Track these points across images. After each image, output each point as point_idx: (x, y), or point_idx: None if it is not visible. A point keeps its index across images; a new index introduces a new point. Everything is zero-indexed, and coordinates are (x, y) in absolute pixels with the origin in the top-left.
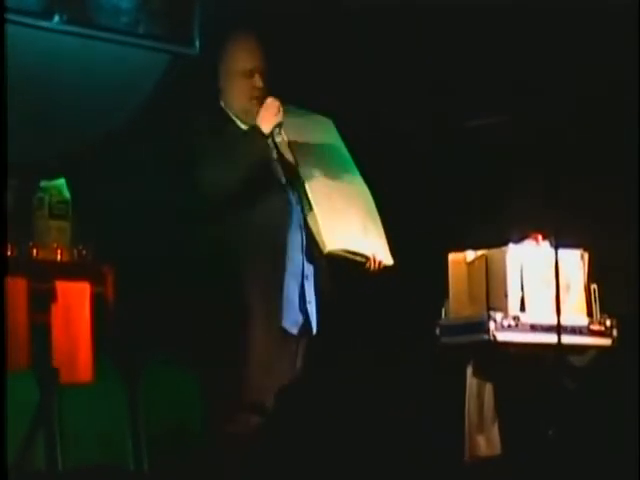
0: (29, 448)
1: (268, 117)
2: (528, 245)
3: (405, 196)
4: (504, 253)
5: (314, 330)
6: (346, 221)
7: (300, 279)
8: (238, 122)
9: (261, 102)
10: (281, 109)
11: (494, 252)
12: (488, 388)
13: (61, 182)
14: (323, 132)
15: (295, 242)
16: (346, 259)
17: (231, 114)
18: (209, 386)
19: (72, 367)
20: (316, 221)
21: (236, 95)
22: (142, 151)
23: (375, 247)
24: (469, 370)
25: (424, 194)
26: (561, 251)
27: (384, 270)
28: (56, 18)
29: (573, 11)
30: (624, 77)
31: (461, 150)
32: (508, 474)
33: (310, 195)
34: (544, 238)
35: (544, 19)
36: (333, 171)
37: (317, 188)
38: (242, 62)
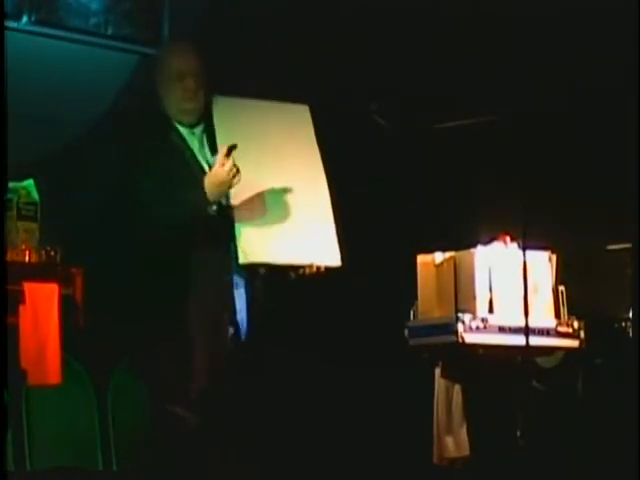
0: None
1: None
2: (496, 247)
3: (374, 197)
4: (472, 255)
5: (243, 337)
6: (271, 231)
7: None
8: (176, 124)
9: (194, 102)
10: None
11: (463, 254)
12: (456, 390)
13: (29, 183)
14: (289, 130)
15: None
16: (271, 268)
17: (170, 117)
18: (154, 389)
19: (40, 369)
20: (239, 233)
21: (167, 97)
22: (109, 152)
23: (313, 252)
24: (437, 372)
25: (393, 195)
26: (529, 253)
27: (330, 272)
28: (25, 19)
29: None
30: (596, 79)
31: (430, 151)
32: (476, 476)
33: (235, 205)
34: (512, 240)
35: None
36: (276, 174)
37: (245, 198)
38: (175, 65)
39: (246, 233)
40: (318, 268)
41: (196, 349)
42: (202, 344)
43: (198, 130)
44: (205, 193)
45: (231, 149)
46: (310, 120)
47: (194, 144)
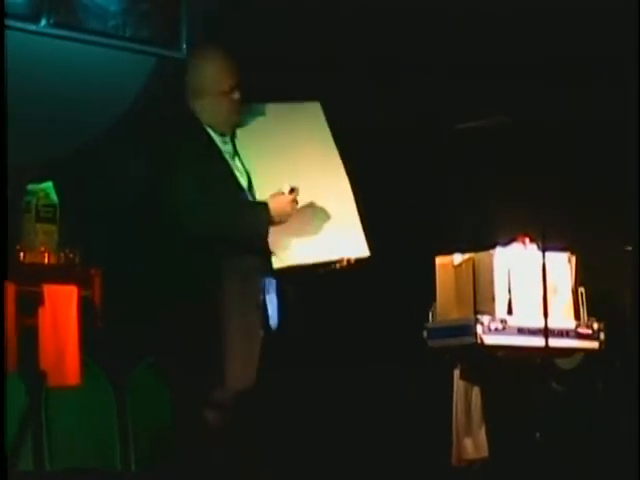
0: (17, 450)
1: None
2: (515, 248)
3: (392, 198)
4: (491, 256)
5: (273, 329)
6: (300, 232)
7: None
8: (210, 131)
9: (239, 114)
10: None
11: (482, 255)
12: (475, 391)
13: (48, 185)
14: (305, 130)
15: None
16: (302, 268)
17: (206, 126)
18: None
19: (60, 370)
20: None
21: (214, 111)
22: (129, 154)
23: (343, 247)
24: (456, 373)
25: (412, 196)
26: (548, 254)
27: (361, 263)
28: (43, 21)
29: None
30: (616, 79)
31: (449, 152)
32: (495, 477)
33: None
34: (531, 241)
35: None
36: (297, 175)
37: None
38: (221, 82)
39: (277, 237)
40: (349, 261)
41: (225, 351)
42: (231, 346)
43: (228, 138)
44: (269, 217)
45: (293, 190)
46: (323, 117)
47: (229, 152)
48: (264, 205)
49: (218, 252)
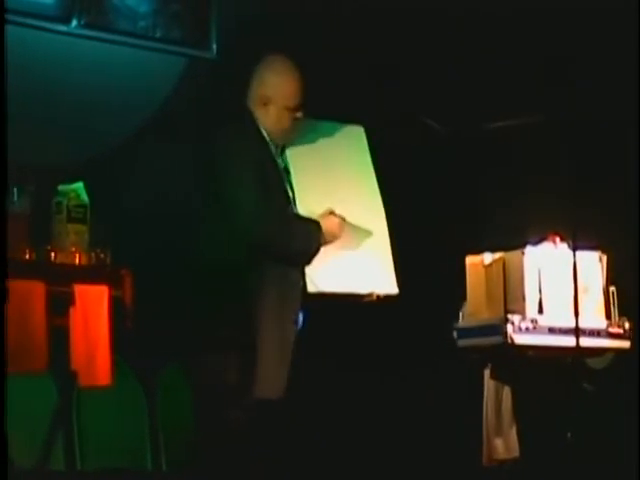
0: (48, 450)
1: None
2: (546, 247)
3: (423, 198)
4: (522, 255)
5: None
6: (336, 259)
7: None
8: (269, 142)
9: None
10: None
11: (512, 254)
12: (506, 391)
13: (79, 186)
14: (347, 153)
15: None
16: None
17: (263, 132)
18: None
19: (91, 370)
20: None
21: (276, 123)
22: (159, 154)
23: (374, 281)
24: (487, 373)
25: (441, 196)
26: (579, 253)
27: (385, 300)
28: (74, 22)
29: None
30: None
31: (478, 151)
32: (526, 478)
33: None
34: (562, 240)
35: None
36: (338, 201)
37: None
38: (291, 98)
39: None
40: (378, 297)
41: (259, 359)
42: (266, 355)
43: (280, 150)
44: (321, 236)
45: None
46: (365, 142)
47: (280, 164)
48: (317, 224)
49: (263, 260)
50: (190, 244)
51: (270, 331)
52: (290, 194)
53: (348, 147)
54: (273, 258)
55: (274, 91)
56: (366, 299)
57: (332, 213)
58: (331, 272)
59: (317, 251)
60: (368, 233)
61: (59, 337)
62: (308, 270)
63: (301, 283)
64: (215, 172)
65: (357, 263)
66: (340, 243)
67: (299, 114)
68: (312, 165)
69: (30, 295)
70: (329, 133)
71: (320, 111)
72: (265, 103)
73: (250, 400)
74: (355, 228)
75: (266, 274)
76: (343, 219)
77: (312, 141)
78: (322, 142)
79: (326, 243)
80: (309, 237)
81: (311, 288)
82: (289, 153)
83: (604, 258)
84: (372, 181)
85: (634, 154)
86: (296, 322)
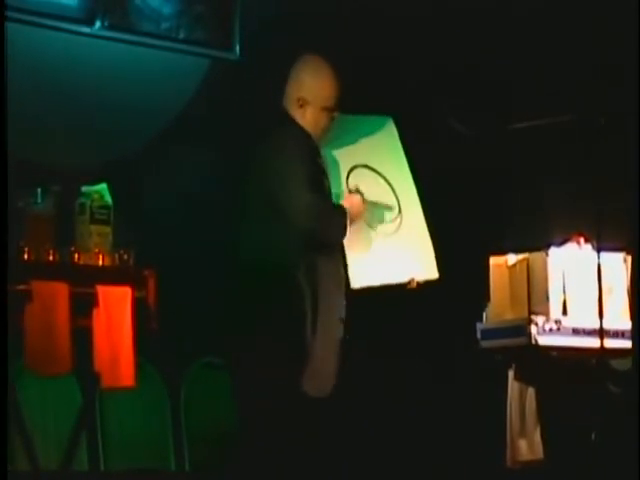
0: (73, 451)
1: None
2: (570, 248)
3: (447, 199)
4: (546, 256)
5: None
6: (376, 252)
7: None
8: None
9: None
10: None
11: (536, 255)
12: (530, 392)
13: (102, 187)
14: (380, 145)
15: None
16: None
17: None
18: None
19: (114, 372)
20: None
21: (312, 122)
22: (182, 156)
23: (413, 268)
24: (510, 374)
25: (465, 196)
26: (603, 254)
27: (428, 284)
28: (97, 24)
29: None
30: None
31: (504, 153)
32: (550, 479)
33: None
34: (586, 241)
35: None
36: (374, 193)
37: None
38: (329, 99)
39: (355, 257)
40: (418, 283)
41: (307, 359)
42: (313, 355)
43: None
44: (347, 218)
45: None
46: (396, 132)
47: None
48: (343, 208)
49: (312, 259)
50: (226, 244)
51: (320, 331)
52: (331, 189)
53: (380, 138)
54: (319, 252)
55: (312, 94)
56: (407, 287)
57: (351, 192)
58: (372, 266)
59: (344, 233)
60: (406, 222)
61: (82, 338)
62: (350, 266)
63: (344, 280)
64: (268, 174)
65: (396, 251)
66: (379, 236)
67: (336, 114)
68: (350, 159)
69: (54, 296)
70: (360, 126)
71: (348, 106)
72: (302, 105)
73: (301, 399)
74: (392, 217)
75: (314, 272)
76: (362, 196)
77: (346, 135)
78: (355, 135)
79: (352, 222)
80: (343, 225)
81: (355, 284)
82: (326, 150)
83: (629, 259)
84: (406, 170)
85: None
86: (342, 319)
